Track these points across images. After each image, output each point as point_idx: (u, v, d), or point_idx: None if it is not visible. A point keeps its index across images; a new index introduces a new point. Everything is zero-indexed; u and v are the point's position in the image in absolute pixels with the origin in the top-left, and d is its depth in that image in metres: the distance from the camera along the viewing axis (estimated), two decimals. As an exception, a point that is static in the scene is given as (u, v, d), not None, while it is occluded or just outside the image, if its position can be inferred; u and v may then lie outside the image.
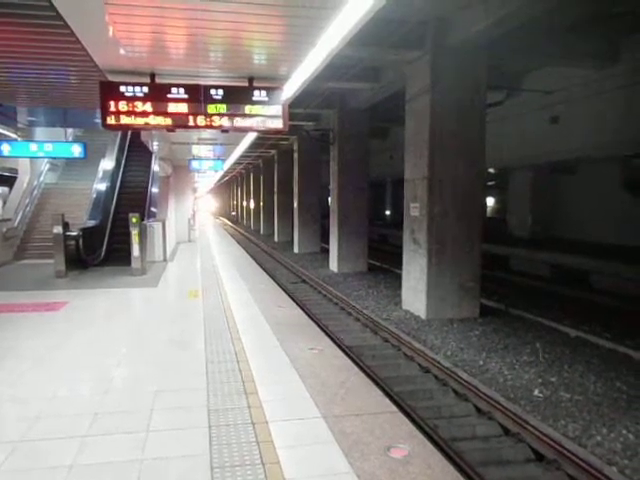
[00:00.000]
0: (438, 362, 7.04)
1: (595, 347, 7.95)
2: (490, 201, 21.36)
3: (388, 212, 28.81)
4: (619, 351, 7.70)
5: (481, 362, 7.35)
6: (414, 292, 10.21)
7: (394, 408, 3.90)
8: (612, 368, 6.99)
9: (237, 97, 5.68)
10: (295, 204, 21.93)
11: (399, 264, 11.12)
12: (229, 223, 45.46)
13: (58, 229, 10.03)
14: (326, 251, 18.48)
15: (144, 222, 11.36)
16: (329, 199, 17.13)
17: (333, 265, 16.60)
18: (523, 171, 16.93)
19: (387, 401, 4.05)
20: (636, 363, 7.24)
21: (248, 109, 5.69)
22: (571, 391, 6.23)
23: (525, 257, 14.73)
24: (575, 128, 12.68)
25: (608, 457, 4.70)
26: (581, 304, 10.94)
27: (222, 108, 5.60)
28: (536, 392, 6.24)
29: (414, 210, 10.13)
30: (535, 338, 8.37)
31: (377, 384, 5.69)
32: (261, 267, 13.73)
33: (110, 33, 4.48)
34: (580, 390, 6.26)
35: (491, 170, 18.13)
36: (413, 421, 4.58)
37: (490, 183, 19.41)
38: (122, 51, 5.01)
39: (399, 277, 11.25)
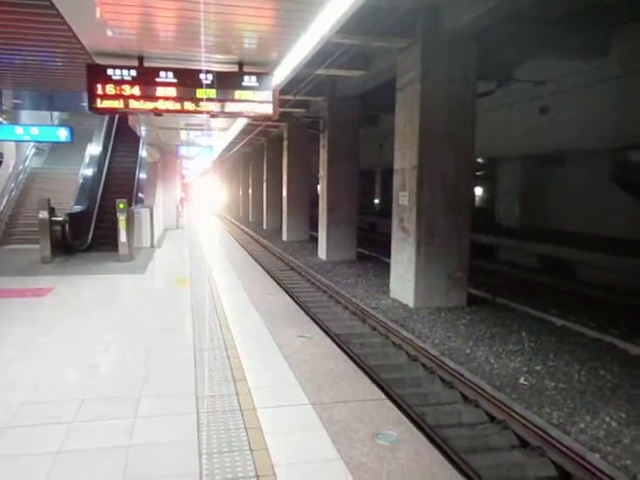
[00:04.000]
0: (426, 350, 7.10)
1: (580, 336, 8.04)
2: (478, 191, 21.42)
3: (377, 201, 28.82)
4: (604, 340, 7.80)
5: (468, 350, 7.42)
6: (402, 281, 10.25)
7: (382, 395, 3.93)
8: (597, 357, 7.08)
9: (227, 82, 5.62)
10: (284, 192, 21.84)
11: (388, 253, 11.14)
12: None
13: (44, 214, 9.90)
14: (315, 239, 18.47)
15: (131, 208, 11.25)
16: (318, 187, 17.07)
17: (322, 253, 16.60)
18: (512, 162, 16.98)
19: (375, 388, 4.08)
20: (620, 352, 7.35)
21: (238, 94, 5.64)
22: (556, 379, 6.31)
23: (512, 247, 14.82)
24: (565, 120, 12.73)
25: (591, 444, 4.77)
26: (567, 294, 11.05)
27: (211, 93, 5.54)
28: (522, 380, 6.31)
29: (403, 199, 10.13)
30: (521, 327, 8.45)
31: (365, 372, 5.72)
32: (249, 254, 13.69)
33: (97, 14, 4.39)
34: (565, 378, 6.34)
35: (480, 160, 18.15)
36: (400, 408, 4.61)
37: (479, 173, 19.43)
38: (110, 33, 4.92)
39: (387, 266, 11.28)
